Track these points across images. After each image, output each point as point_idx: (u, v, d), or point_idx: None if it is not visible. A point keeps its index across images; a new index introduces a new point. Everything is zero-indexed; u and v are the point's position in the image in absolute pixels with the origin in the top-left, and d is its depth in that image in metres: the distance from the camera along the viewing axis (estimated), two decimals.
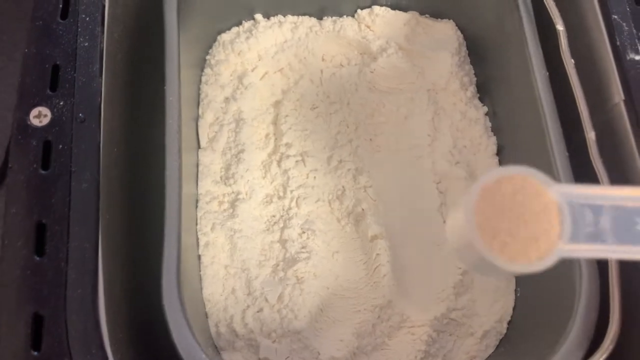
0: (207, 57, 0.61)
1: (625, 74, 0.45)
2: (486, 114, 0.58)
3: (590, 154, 0.45)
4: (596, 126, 0.46)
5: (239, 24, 0.62)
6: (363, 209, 0.54)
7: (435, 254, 0.53)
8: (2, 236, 0.40)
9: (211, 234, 0.52)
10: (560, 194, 0.27)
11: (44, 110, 0.43)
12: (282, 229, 0.52)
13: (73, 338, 0.38)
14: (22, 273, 0.39)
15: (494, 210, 0.27)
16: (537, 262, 0.26)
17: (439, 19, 0.63)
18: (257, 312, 0.49)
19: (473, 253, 0.27)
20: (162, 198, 0.43)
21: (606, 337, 0.40)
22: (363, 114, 0.58)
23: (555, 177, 0.45)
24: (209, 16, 0.59)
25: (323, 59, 0.61)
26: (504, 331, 0.50)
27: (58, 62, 0.45)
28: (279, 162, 0.55)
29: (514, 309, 0.51)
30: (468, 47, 0.62)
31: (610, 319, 0.40)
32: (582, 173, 0.45)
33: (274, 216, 0.53)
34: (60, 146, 0.42)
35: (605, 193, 0.28)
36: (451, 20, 0.63)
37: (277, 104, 0.59)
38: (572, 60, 0.47)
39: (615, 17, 0.47)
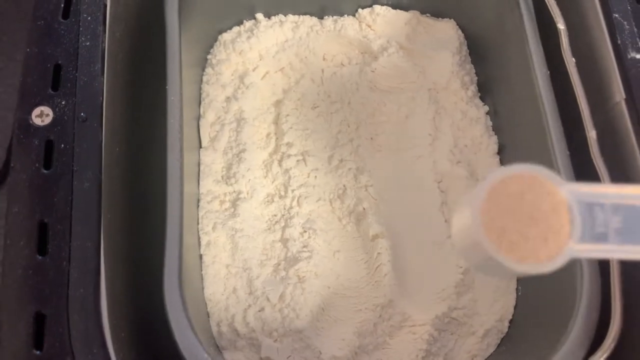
0: (208, 56, 0.61)
1: (626, 73, 0.45)
2: (487, 113, 0.58)
3: (592, 153, 0.45)
4: (597, 125, 0.46)
5: (240, 23, 0.62)
6: (364, 208, 0.54)
7: (436, 253, 0.53)
8: (4, 235, 0.40)
9: (212, 234, 0.52)
10: (570, 193, 0.26)
11: (46, 110, 0.43)
12: (284, 228, 0.52)
13: (75, 337, 0.38)
14: (24, 272, 0.39)
15: (500, 209, 0.26)
16: (547, 262, 0.26)
17: (440, 18, 0.63)
18: (259, 311, 0.49)
19: (479, 253, 0.26)
20: (163, 197, 0.43)
21: (607, 336, 0.40)
22: (364, 114, 0.58)
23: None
24: (210, 16, 0.59)
25: (324, 59, 0.61)
26: (505, 330, 0.50)
27: (60, 62, 0.45)
28: (280, 162, 0.55)
29: (515, 307, 0.51)
30: (469, 46, 0.62)
31: (612, 318, 0.40)
32: (583, 172, 0.45)
33: (275, 215, 0.53)
34: (62, 145, 0.42)
35: (616, 191, 0.27)
36: (452, 20, 0.63)
37: (278, 104, 0.59)
38: (573, 59, 0.47)
39: (616, 15, 0.47)
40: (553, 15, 0.49)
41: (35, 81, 0.44)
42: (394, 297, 0.50)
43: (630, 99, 0.45)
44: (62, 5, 0.47)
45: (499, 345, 0.50)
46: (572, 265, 0.43)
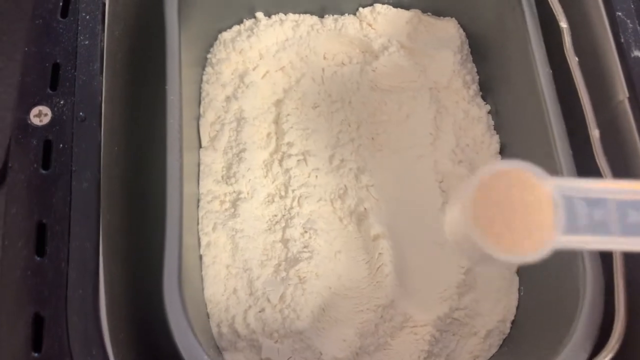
0: (208, 55, 0.60)
1: (630, 71, 0.45)
2: (489, 112, 0.58)
3: (595, 152, 0.45)
4: (600, 124, 0.45)
5: (240, 22, 0.62)
6: (365, 208, 0.53)
7: (438, 253, 0.52)
8: (2, 236, 0.40)
9: (212, 234, 0.52)
10: (554, 187, 0.28)
11: (44, 109, 0.43)
12: (284, 229, 0.52)
13: (74, 339, 0.37)
14: (23, 273, 0.39)
15: (489, 203, 0.27)
16: (532, 252, 0.27)
17: (441, 17, 0.63)
18: (259, 312, 0.49)
19: (470, 245, 0.28)
20: (163, 197, 0.43)
21: (612, 337, 0.39)
22: (365, 113, 0.58)
23: (559, 175, 0.45)
24: (209, 14, 0.59)
25: (324, 58, 0.61)
26: (508, 331, 0.50)
27: (58, 61, 0.45)
28: (280, 161, 0.55)
29: (517, 308, 0.51)
30: (470, 45, 0.62)
31: (616, 318, 0.40)
32: (586, 171, 0.45)
33: (275, 216, 0.53)
34: (61, 145, 0.42)
35: (599, 186, 0.28)
36: (453, 18, 0.63)
37: (278, 103, 0.59)
38: (576, 58, 0.47)
39: (620, 14, 0.47)
40: (555, 14, 0.49)
41: (33, 81, 0.44)
42: (395, 297, 0.50)
43: (633, 98, 0.45)
44: (61, 4, 0.47)
45: (501, 346, 0.50)
46: (575, 265, 0.42)
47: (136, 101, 0.50)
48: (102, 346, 0.38)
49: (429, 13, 0.63)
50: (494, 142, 0.56)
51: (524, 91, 0.51)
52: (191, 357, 0.39)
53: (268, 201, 0.54)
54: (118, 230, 0.43)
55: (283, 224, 0.53)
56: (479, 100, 0.59)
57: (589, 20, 0.49)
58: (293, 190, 0.54)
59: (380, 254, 0.51)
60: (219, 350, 0.48)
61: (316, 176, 0.55)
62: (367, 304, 0.50)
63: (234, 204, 0.53)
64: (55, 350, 0.37)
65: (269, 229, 0.53)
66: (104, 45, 0.46)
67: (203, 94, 0.58)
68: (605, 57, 0.47)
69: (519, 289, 0.51)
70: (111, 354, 0.38)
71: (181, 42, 0.49)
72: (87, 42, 0.46)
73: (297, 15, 0.62)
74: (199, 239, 0.52)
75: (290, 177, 0.54)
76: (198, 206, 0.53)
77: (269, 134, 0.57)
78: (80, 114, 0.43)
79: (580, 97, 0.46)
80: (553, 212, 0.27)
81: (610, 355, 0.39)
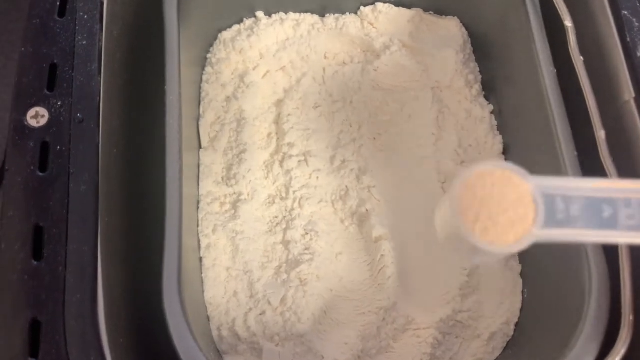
0: (208, 55, 0.60)
1: (636, 71, 0.45)
2: (492, 113, 0.58)
3: (600, 153, 0.44)
4: (606, 124, 0.45)
5: (240, 21, 0.62)
6: (367, 210, 0.53)
7: (440, 254, 0.52)
8: None
9: (213, 236, 0.51)
10: (535, 185, 0.30)
11: (42, 111, 0.43)
12: (285, 230, 0.52)
13: (72, 344, 0.37)
14: (20, 278, 0.38)
15: (475, 200, 0.30)
16: (514, 244, 0.30)
17: (444, 16, 0.63)
18: (260, 315, 0.49)
19: (458, 239, 0.31)
20: (162, 199, 0.43)
21: (618, 340, 0.39)
22: (366, 113, 0.57)
23: (564, 176, 0.45)
24: (209, 14, 0.59)
25: (326, 57, 0.60)
26: (511, 333, 0.50)
27: (56, 61, 0.45)
28: (281, 162, 0.55)
29: (521, 310, 0.50)
30: (473, 44, 0.61)
31: (622, 321, 0.39)
32: (592, 172, 0.45)
33: (276, 217, 0.53)
34: (58, 147, 0.42)
35: (576, 185, 0.31)
36: (456, 17, 0.62)
37: (279, 103, 0.58)
38: (581, 57, 0.47)
39: (625, 12, 0.47)
40: (560, 12, 0.49)
41: (30, 81, 0.44)
42: (397, 299, 0.49)
43: (639, 98, 0.45)
44: (58, 4, 0.47)
45: (504, 349, 0.50)
46: (580, 267, 0.42)
47: (135, 102, 0.50)
48: (100, 351, 0.37)
49: (431, 12, 0.63)
50: (497, 143, 0.56)
51: (528, 91, 0.51)
52: None
53: (269, 202, 0.54)
54: (117, 233, 0.43)
55: (284, 226, 0.52)
56: (482, 100, 0.58)
57: (594, 19, 0.49)
58: (294, 192, 0.54)
59: (382, 255, 0.51)
60: (219, 353, 0.48)
61: (317, 177, 0.54)
62: (369, 306, 0.50)
63: (235, 205, 0.53)
64: (53, 355, 0.37)
65: (270, 231, 0.52)
66: (102, 45, 0.46)
67: (203, 94, 0.58)
68: (611, 56, 0.47)
69: (523, 291, 0.51)
70: (110, 359, 0.37)
71: (181, 42, 0.49)
72: (85, 42, 0.45)
73: (297, 14, 0.62)
74: (199, 241, 0.51)
75: (291, 178, 0.54)
76: (198, 208, 0.53)
77: (269, 135, 0.57)
78: (78, 115, 0.43)
79: (585, 97, 0.46)
80: (533, 207, 0.30)
81: (617, 359, 0.38)
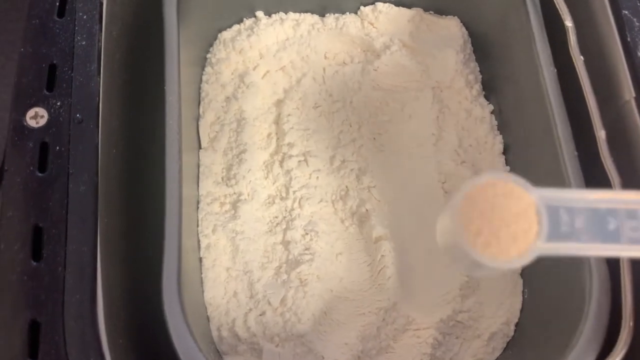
0: (208, 55, 0.60)
1: (636, 71, 0.45)
2: (492, 112, 0.57)
3: (601, 153, 0.44)
4: (606, 124, 0.45)
5: (239, 21, 0.61)
6: (367, 210, 0.53)
7: (440, 255, 0.52)
8: None
9: (212, 236, 0.51)
10: (538, 197, 0.30)
11: (41, 111, 0.43)
12: (285, 231, 0.52)
13: (71, 345, 0.37)
14: (19, 278, 0.38)
15: (477, 212, 0.29)
16: (517, 259, 0.29)
17: (444, 16, 0.63)
18: (260, 315, 0.49)
19: (460, 253, 0.30)
20: (162, 200, 0.43)
21: (619, 341, 0.39)
22: (366, 113, 0.57)
23: (564, 177, 0.45)
24: (209, 14, 0.59)
25: (326, 57, 0.60)
26: (511, 333, 0.50)
27: (55, 62, 0.44)
28: (281, 162, 0.55)
29: (521, 310, 0.50)
30: (473, 44, 0.61)
31: (623, 322, 0.39)
32: (592, 172, 0.45)
33: (276, 217, 0.53)
34: (57, 148, 0.42)
35: (581, 196, 0.30)
36: (456, 17, 0.62)
37: (279, 103, 0.58)
38: (581, 57, 0.47)
39: (626, 12, 0.47)
40: (560, 12, 0.49)
41: (29, 82, 0.44)
42: (397, 300, 0.49)
43: None
44: (58, 4, 0.47)
45: (504, 349, 0.49)
46: (581, 267, 0.42)
47: (134, 102, 0.50)
48: (100, 352, 0.37)
49: (431, 11, 0.63)
50: (498, 143, 0.56)
51: (528, 91, 0.51)
52: None
53: (269, 203, 0.53)
54: (116, 233, 0.43)
55: (284, 226, 0.52)
56: (482, 100, 0.58)
57: (595, 18, 0.49)
58: (294, 192, 0.53)
59: (382, 256, 0.51)
60: (219, 354, 0.48)
61: (317, 177, 0.54)
62: (369, 306, 0.50)
63: (234, 205, 0.53)
64: (52, 356, 0.37)
65: (270, 231, 0.52)
66: (101, 45, 0.46)
67: (202, 94, 0.58)
68: (611, 56, 0.47)
69: (523, 291, 0.51)
70: None
71: (180, 42, 0.49)
72: (84, 43, 0.45)
73: (297, 14, 0.62)
74: (198, 241, 0.51)
75: (291, 178, 0.54)
76: (198, 208, 0.53)
77: (269, 135, 0.57)
78: (77, 115, 0.43)
79: (585, 97, 0.46)
80: (536, 220, 0.29)
81: None
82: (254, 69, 0.59)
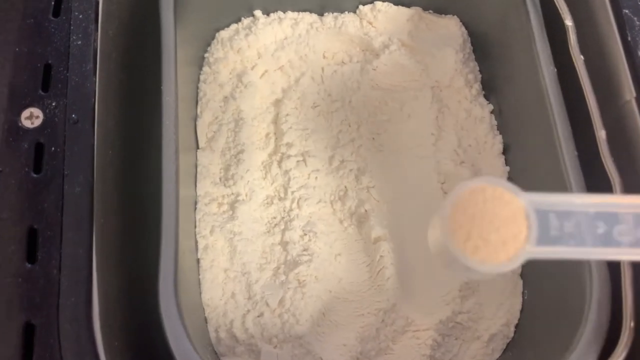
0: (206, 55, 0.60)
1: (637, 71, 0.45)
2: (492, 112, 0.57)
3: (601, 153, 0.44)
4: (606, 124, 0.45)
5: (237, 20, 0.61)
6: (366, 210, 0.53)
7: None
8: None
9: (210, 237, 0.51)
10: (527, 202, 0.30)
11: (36, 112, 0.42)
12: (283, 231, 0.52)
13: (66, 348, 0.37)
14: (13, 280, 0.38)
15: (467, 217, 0.30)
16: (506, 263, 0.29)
17: (443, 15, 0.62)
18: (258, 316, 0.48)
19: (450, 257, 0.30)
20: (158, 200, 0.43)
21: (619, 342, 0.39)
22: (365, 113, 0.57)
23: (564, 177, 0.45)
24: (206, 13, 0.58)
25: (324, 56, 0.60)
26: (511, 335, 0.50)
27: (50, 62, 0.44)
28: (279, 163, 0.55)
29: (521, 312, 0.50)
30: (473, 44, 0.61)
31: (623, 323, 0.39)
32: (592, 172, 0.45)
33: (274, 218, 0.53)
34: (53, 148, 0.42)
35: (570, 201, 0.31)
36: (455, 16, 0.62)
37: (277, 103, 0.58)
38: (582, 57, 0.47)
39: (626, 11, 0.47)
40: (560, 11, 0.48)
41: (24, 82, 0.44)
42: (396, 301, 0.49)
43: None
44: (53, 3, 0.47)
45: (504, 351, 0.49)
46: (581, 268, 0.42)
47: (131, 102, 0.49)
48: (95, 355, 0.37)
49: (430, 11, 0.62)
50: (497, 143, 0.56)
51: (528, 90, 0.50)
52: None
53: (267, 203, 0.53)
54: (112, 235, 0.43)
55: (282, 227, 0.52)
56: (482, 99, 0.58)
57: (595, 17, 0.49)
58: (292, 192, 0.53)
59: (381, 256, 0.51)
60: (217, 355, 0.48)
61: (316, 177, 0.54)
62: (367, 307, 0.50)
63: (232, 206, 0.53)
64: (47, 359, 0.37)
65: (268, 232, 0.52)
66: (97, 45, 0.46)
67: (200, 94, 0.58)
68: (612, 55, 0.47)
69: (523, 292, 0.51)
70: None
71: (177, 41, 0.48)
72: (79, 42, 0.45)
73: (296, 13, 0.61)
74: (196, 242, 0.51)
75: (289, 179, 0.54)
76: (195, 209, 0.52)
77: (267, 135, 0.57)
78: (73, 116, 0.43)
79: (585, 96, 0.46)
80: (526, 224, 0.30)
81: None
82: (252, 68, 0.59)
